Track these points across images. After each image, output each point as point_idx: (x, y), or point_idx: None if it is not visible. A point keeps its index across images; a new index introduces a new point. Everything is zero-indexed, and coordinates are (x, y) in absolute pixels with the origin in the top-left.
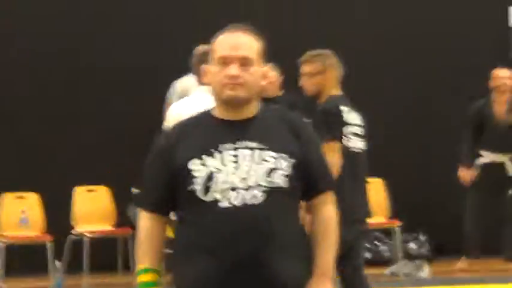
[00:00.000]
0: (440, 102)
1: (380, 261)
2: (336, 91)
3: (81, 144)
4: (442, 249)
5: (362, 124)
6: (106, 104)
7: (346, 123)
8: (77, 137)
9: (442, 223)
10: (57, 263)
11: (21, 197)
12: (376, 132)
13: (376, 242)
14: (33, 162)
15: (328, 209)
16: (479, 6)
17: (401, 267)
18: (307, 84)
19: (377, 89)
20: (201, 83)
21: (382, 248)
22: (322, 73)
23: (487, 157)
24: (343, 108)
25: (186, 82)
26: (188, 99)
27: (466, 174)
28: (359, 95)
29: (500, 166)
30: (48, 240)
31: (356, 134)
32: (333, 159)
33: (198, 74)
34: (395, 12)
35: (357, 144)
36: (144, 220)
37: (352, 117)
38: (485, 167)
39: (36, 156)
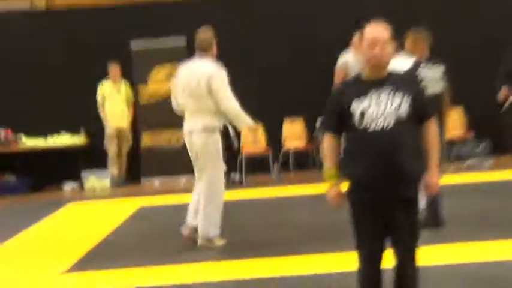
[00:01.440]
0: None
1: None
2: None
3: (289, 83)
4: None
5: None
6: (311, 57)
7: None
8: (286, 76)
9: None
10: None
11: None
12: None
13: None
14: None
15: (433, 128)
16: None
17: None
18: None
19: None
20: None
21: None
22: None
23: None
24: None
25: (347, 55)
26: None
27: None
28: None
29: None
30: (268, 154)
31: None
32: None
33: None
34: None
35: (434, 88)
36: (327, 138)
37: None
38: None
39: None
